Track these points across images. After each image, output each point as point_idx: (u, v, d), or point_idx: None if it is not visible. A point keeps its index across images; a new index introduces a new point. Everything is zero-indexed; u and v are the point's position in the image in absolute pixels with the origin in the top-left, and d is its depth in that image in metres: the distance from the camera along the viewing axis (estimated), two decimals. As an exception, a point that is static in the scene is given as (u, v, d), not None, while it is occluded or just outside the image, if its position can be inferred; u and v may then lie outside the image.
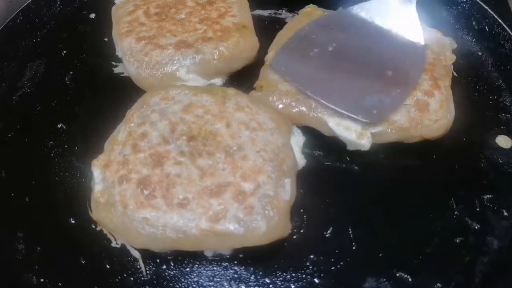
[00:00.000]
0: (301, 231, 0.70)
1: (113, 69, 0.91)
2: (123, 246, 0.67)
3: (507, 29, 0.92)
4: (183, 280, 0.66)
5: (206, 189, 0.63)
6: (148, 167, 0.66)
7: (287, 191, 0.66)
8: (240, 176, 0.65)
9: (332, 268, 0.67)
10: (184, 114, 0.71)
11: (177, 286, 0.65)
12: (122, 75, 0.90)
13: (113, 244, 0.67)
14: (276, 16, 1.03)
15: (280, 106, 0.77)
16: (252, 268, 0.67)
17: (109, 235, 0.67)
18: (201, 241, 0.61)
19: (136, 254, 0.66)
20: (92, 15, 1.04)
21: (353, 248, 0.69)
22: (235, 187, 0.64)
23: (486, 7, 0.97)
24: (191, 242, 0.62)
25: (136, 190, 0.64)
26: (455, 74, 0.87)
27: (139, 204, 0.63)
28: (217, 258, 0.67)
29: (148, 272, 0.66)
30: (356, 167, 0.77)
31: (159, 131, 0.69)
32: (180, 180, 0.64)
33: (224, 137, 0.69)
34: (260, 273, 0.66)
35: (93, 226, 0.70)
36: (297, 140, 0.75)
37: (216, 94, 0.75)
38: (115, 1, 0.97)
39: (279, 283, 0.66)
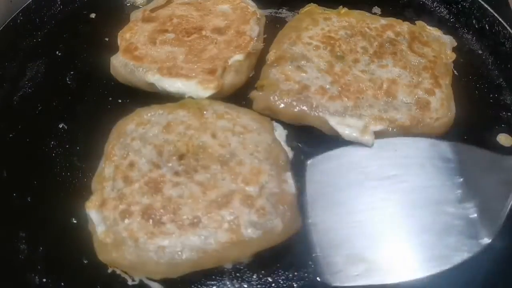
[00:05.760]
0: (302, 230, 0.70)
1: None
2: (140, 281, 0.64)
3: (507, 27, 0.92)
4: (185, 279, 0.66)
5: (213, 202, 0.63)
6: (147, 195, 0.64)
7: (291, 184, 0.67)
8: (242, 182, 0.65)
9: (334, 266, 0.67)
10: (166, 135, 0.70)
11: (179, 285, 0.65)
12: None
13: (130, 283, 0.64)
14: (277, 15, 1.03)
15: (282, 105, 0.77)
16: (254, 267, 0.67)
17: (123, 275, 0.64)
18: (223, 254, 0.61)
19: (157, 286, 0.64)
20: (92, 15, 1.04)
21: (355, 246, 0.69)
22: (241, 193, 0.64)
23: (486, 6, 0.97)
24: (213, 259, 0.61)
25: (142, 221, 0.62)
26: (455, 72, 0.87)
27: (150, 235, 0.61)
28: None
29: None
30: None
31: (147, 157, 0.68)
32: (184, 200, 0.63)
33: (214, 148, 0.68)
34: (263, 272, 0.66)
35: (95, 226, 0.70)
36: (280, 134, 0.75)
37: (191, 108, 0.74)
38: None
39: (282, 282, 0.66)
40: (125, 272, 0.64)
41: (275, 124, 0.76)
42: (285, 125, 0.77)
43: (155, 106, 0.76)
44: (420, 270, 0.61)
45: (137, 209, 0.63)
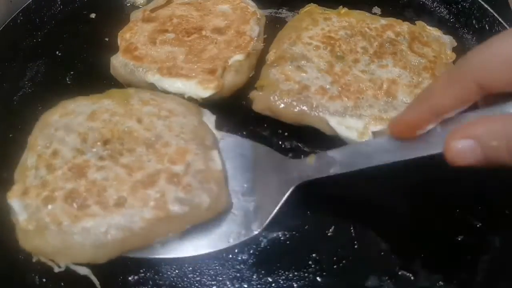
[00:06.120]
0: (303, 229, 0.70)
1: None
2: (67, 267, 0.61)
3: (507, 27, 0.92)
4: (185, 279, 0.66)
5: (139, 183, 0.62)
6: (70, 181, 0.63)
7: (217, 162, 0.67)
8: (168, 161, 0.64)
9: (335, 266, 0.67)
10: (91, 123, 0.69)
11: (180, 285, 0.66)
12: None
13: (56, 270, 0.61)
14: (277, 15, 1.03)
15: (282, 105, 0.77)
16: (254, 267, 0.67)
17: (49, 262, 0.61)
18: (149, 232, 0.60)
19: (85, 270, 0.62)
20: (92, 15, 1.04)
21: (355, 247, 0.69)
22: (166, 172, 0.63)
23: (486, 6, 0.97)
24: (140, 237, 0.60)
25: (65, 206, 0.61)
26: (455, 72, 0.87)
27: (74, 218, 0.60)
28: (219, 257, 0.68)
29: (151, 273, 0.67)
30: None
31: (70, 145, 0.67)
32: (109, 183, 0.62)
33: (140, 132, 0.68)
34: (263, 272, 0.67)
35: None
36: (209, 118, 0.75)
37: (116, 97, 0.74)
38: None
39: (282, 282, 0.66)
40: (51, 260, 0.62)
41: (203, 109, 0.76)
42: (214, 110, 0.77)
43: (80, 98, 0.76)
44: (187, 250, 0.64)
45: (61, 194, 0.62)
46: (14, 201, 0.63)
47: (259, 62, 0.88)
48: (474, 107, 0.53)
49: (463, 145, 0.50)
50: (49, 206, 0.61)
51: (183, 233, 0.62)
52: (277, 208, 0.65)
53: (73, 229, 0.59)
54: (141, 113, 0.70)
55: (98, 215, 0.60)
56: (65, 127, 0.69)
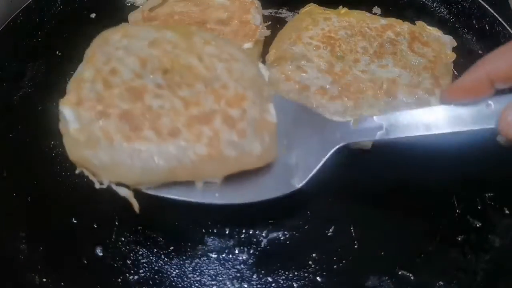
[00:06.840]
0: (303, 229, 0.70)
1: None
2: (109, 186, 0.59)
3: (507, 27, 0.92)
4: (185, 279, 0.66)
5: (194, 117, 0.61)
6: (126, 101, 0.61)
7: (272, 114, 0.66)
8: (225, 104, 0.63)
9: (335, 266, 0.67)
10: (152, 49, 0.67)
11: (180, 285, 0.66)
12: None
13: (97, 186, 0.59)
14: (277, 15, 1.03)
15: (282, 105, 0.77)
16: (254, 267, 0.67)
17: (91, 177, 0.59)
18: (197, 168, 0.59)
19: (125, 192, 0.60)
20: (92, 15, 1.04)
21: (355, 246, 0.69)
22: (222, 114, 0.62)
23: (486, 6, 0.97)
24: (187, 171, 0.59)
25: (119, 124, 0.59)
26: (455, 72, 0.87)
27: (127, 138, 0.58)
28: (219, 257, 0.68)
29: (151, 273, 0.67)
30: (357, 166, 0.77)
31: (129, 67, 0.65)
32: (164, 111, 0.61)
33: (200, 69, 0.66)
34: (263, 272, 0.67)
35: (95, 226, 0.70)
36: (264, 72, 0.74)
37: (179, 31, 0.72)
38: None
39: (282, 282, 0.66)
40: (94, 175, 0.59)
41: (259, 63, 0.76)
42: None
43: (143, 25, 0.73)
44: (225, 198, 0.63)
45: (115, 112, 0.60)
46: (67, 109, 0.61)
47: (265, 48, 0.90)
48: None
49: None
50: (103, 121, 0.59)
51: (224, 181, 0.61)
52: (319, 165, 0.65)
53: (124, 148, 0.58)
54: (202, 52, 0.69)
55: (151, 140, 0.59)
56: (126, 48, 0.67)
